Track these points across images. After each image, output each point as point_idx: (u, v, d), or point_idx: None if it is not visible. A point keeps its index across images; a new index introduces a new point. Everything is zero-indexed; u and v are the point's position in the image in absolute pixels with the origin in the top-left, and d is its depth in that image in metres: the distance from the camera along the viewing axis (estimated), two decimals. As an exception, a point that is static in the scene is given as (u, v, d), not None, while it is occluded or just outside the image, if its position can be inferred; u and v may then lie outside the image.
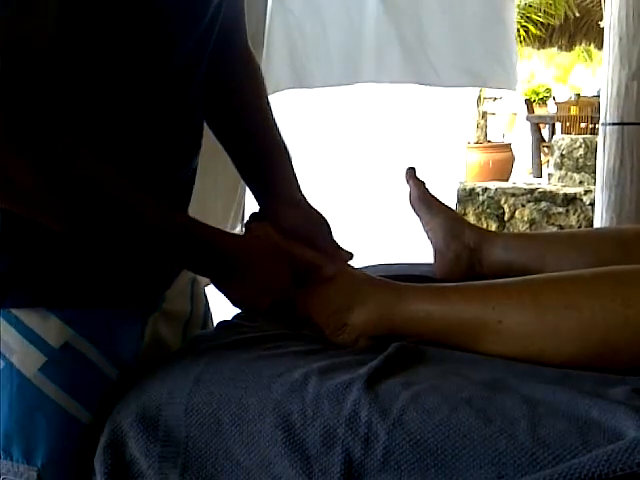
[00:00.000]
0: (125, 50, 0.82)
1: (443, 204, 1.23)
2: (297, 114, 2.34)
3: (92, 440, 0.84)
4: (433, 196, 1.24)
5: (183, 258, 0.87)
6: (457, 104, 2.95)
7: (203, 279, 1.09)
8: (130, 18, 0.81)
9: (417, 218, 1.25)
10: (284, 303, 0.92)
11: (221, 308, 1.13)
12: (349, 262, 1.03)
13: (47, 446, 0.83)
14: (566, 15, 8.84)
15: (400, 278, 0.98)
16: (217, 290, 0.92)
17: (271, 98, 1.94)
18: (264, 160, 1.10)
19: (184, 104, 0.93)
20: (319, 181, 2.28)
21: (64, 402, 0.84)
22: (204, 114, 1.04)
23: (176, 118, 0.92)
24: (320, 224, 1.07)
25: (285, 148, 1.11)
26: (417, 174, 1.25)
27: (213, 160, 1.16)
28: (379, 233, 2.61)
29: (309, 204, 1.09)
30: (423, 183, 1.25)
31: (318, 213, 1.08)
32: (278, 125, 1.12)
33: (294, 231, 1.00)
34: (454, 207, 3.23)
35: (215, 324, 1.12)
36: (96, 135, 0.81)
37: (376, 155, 2.61)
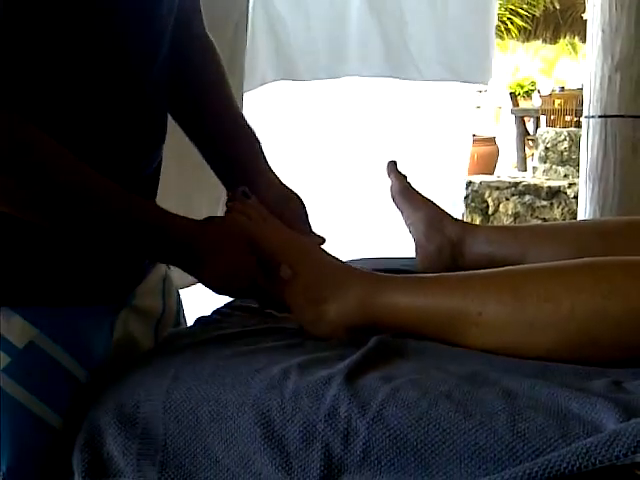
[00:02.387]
0: (81, 36, 0.81)
1: (425, 197, 1.23)
2: (290, 106, 2.33)
3: (61, 442, 0.82)
4: (414, 190, 1.24)
5: (141, 242, 0.85)
6: (459, 97, 2.94)
7: (175, 277, 1.08)
8: (86, 5, 0.80)
9: (399, 212, 1.25)
10: (254, 287, 0.92)
11: (195, 305, 1.12)
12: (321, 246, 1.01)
13: (12, 449, 0.81)
14: (549, 7, 8.87)
15: (381, 272, 0.98)
16: (197, 279, 0.91)
17: (263, 90, 1.94)
18: (231, 142, 1.08)
19: (143, 91, 0.91)
20: (306, 175, 2.27)
21: (30, 404, 0.82)
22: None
23: (135, 106, 0.90)
24: (295, 203, 1.06)
25: (250, 130, 1.10)
26: (398, 168, 1.24)
27: (193, 155, 1.15)
28: (365, 227, 2.60)
29: (282, 182, 1.07)
30: (405, 177, 1.24)
31: (292, 192, 1.07)
32: (240, 109, 1.11)
33: (268, 209, 0.99)
34: (462, 203, 3.23)
35: (188, 321, 1.11)
36: (53, 124, 0.79)
37: (368, 150, 2.61)
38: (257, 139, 1.10)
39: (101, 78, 0.84)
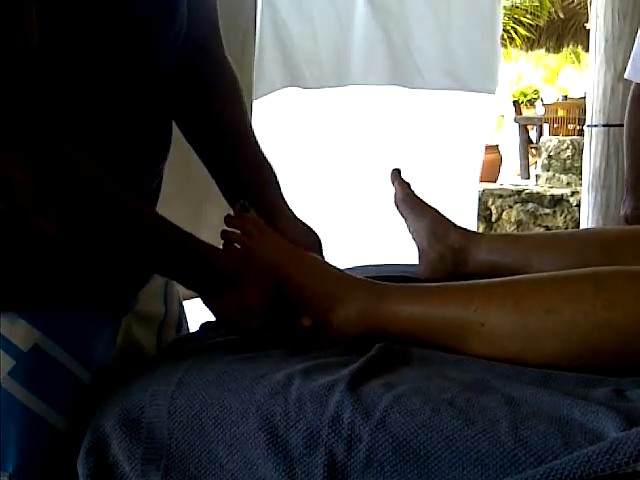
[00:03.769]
0: (86, 50, 0.81)
1: (428, 205, 1.23)
2: (300, 114, 2.34)
3: (66, 443, 0.83)
4: (418, 197, 1.24)
5: (175, 269, 0.86)
6: (473, 106, 2.92)
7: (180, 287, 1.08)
8: (104, 18, 0.80)
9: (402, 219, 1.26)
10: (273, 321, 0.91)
11: (197, 310, 1.12)
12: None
13: (18, 451, 0.82)
14: (554, 17, 8.89)
15: (385, 279, 0.98)
16: (206, 306, 0.91)
17: (271, 98, 1.94)
18: (246, 177, 1.09)
19: (148, 104, 0.91)
20: (314, 182, 2.28)
21: (34, 406, 0.83)
22: (183, 130, 1.05)
23: (140, 119, 0.90)
24: (310, 238, 1.06)
25: (267, 162, 1.10)
26: (402, 175, 1.25)
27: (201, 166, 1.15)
28: (369, 233, 2.61)
29: (297, 217, 1.08)
30: (408, 184, 1.25)
31: (308, 227, 1.07)
32: (257, 139, 1.11)
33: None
34: (477, 211, 3.20)
35: (190, 326, 1.11)
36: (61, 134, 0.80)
37: (379, 158, 2.61)
38: (272, 170, 1.10)
39: (107, 93, 0.84)
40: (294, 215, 1.09)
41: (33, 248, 0.83)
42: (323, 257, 1.06)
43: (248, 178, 1.09)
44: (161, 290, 1.05)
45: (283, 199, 1.10)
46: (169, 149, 0.99)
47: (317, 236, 1.08)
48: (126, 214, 0.79)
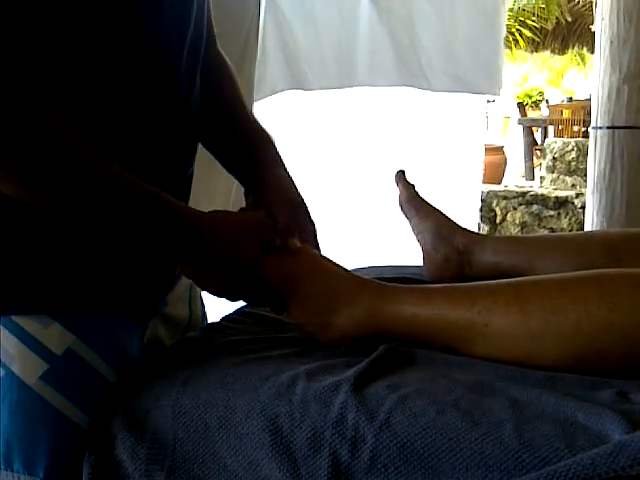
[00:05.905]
0: (116, 44, 0.81)
1: (432, 207, 1.23)
2: (301, 115, 2.35)
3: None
4: (423, 199, 1.24)
5: (146, 231, 0.81)
6: (469, 107, 2.93)
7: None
8: (118, 17, 0.81)
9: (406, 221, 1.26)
10: (255, 280, 0.89)
11: (217, 310, 1.13)
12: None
13: (49, 455, 0.82)
14: (559, 19, 8.87)
15: (389, 280, 0.98)
16: (187, 275, 0.89)
17: (274, 99, 1.94)
18: (245, 144, 1.08)
19: (177, 102, 0.92)
20: (317, 183, 2.28)
21: (66, 409, 0.83)
22: None
23: (170, 113, 0.91)
24: (302, 215, 1.03)
25: (264, 132, 1.09)
26: (406, 176, 1.25)
27: (206, 168, 1.15)
28: (373, 235, 2.61)
29: (289, 186, 1.05)
30: (413, 186, 1.25)
31: (301, 201, 1.04)
32: (254, 116, 1.11)
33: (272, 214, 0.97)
34: (481, 212, 3.22)
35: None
36: (95, 137, 0.79)
37: (379, 159, 2.61)
38: (271, 140, 1.08)
39: (138, 87, 0.85)
40: (287, 183, 1.05)
41: (68, 252, 0.84)
42: (316, 237, 1.03)
43: (241, 142, 1.07)
44: (186, 293, 1.06)
45: (277, 160, 1.06)
46: (197, 142, 0.99)
47: (308, 214, 1.04)
48: (99, 178, 0.76)
